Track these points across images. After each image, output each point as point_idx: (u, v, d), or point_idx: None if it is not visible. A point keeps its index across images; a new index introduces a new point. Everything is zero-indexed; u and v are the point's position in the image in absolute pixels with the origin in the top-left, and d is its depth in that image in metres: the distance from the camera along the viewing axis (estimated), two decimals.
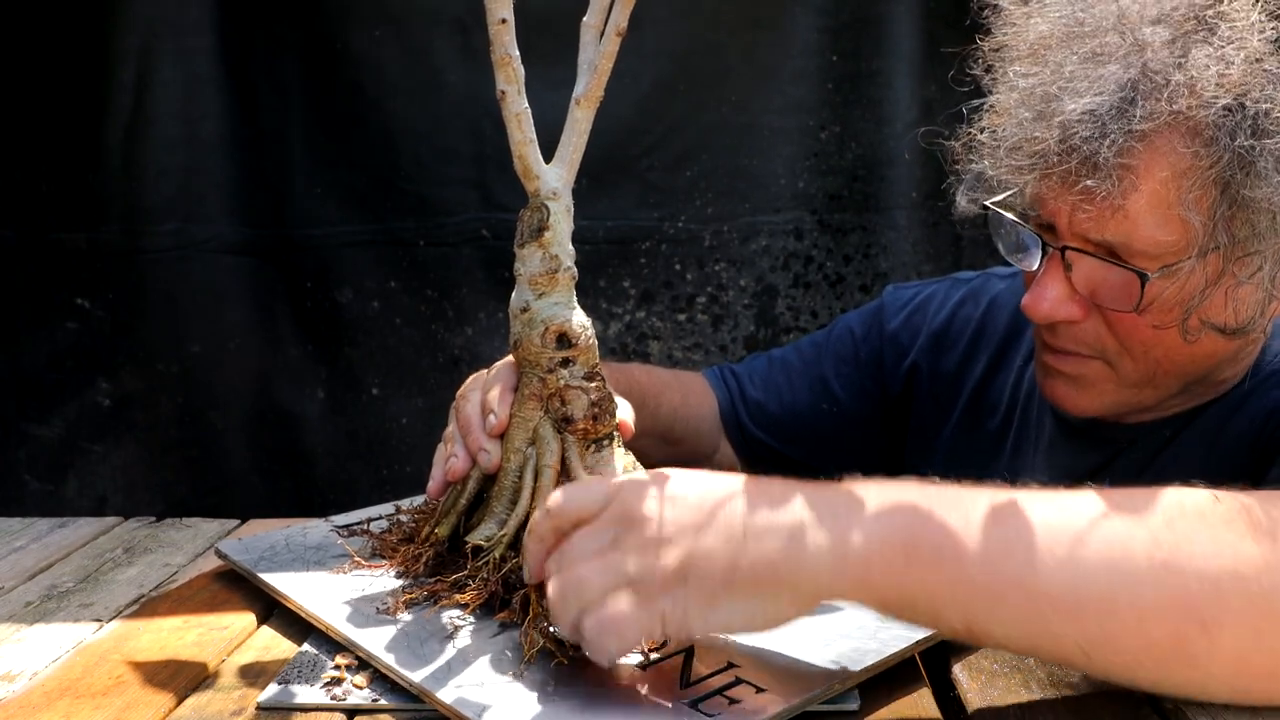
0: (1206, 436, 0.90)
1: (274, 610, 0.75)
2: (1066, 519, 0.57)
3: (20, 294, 1.55)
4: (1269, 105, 0.74)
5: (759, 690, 0.59)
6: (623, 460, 0.72)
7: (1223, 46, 0.75)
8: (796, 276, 1.59)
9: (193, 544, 0.90)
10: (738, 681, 0.60)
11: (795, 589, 0.57)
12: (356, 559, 0.77)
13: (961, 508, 0.57)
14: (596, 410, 0.70)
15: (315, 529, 0.86)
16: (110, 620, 0.74)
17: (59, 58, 1.49)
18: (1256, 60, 0.74)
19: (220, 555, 0.82)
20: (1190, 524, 0.57)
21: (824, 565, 0.56)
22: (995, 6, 0.87)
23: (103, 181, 1.52)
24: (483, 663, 0.62)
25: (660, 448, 1.07)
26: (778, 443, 1.15)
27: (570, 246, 0.71)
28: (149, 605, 0.77)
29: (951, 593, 0.56)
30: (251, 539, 0.84)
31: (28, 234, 1.53)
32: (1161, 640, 0.56)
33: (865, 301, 1.59)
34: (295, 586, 0.74)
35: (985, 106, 0.87)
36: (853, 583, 0.56)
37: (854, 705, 0.59)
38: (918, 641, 0.64)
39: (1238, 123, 0.74)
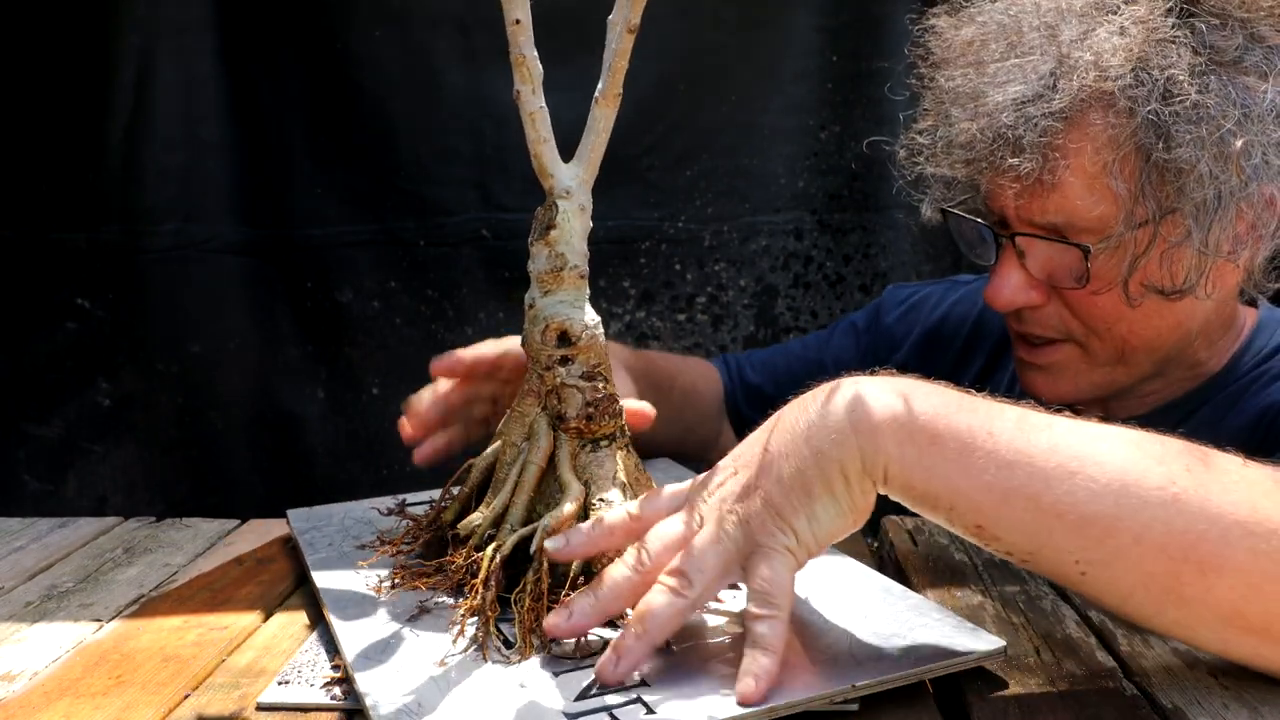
0: (1201, 433, 0.91)
1: (274, 610, 0.76)
2: (1087, 441, 0.58)
3: (20, 294, 1.54)
4: (1172, 71, 0.77)
5: (649, 712, 0.56)
6: (620, 462, 0.71)
7: (1121, 21, 0.79)
8: (796, 276, 1.59)
9: (193, 544, 0.90)
10: (635, 700, 0.57)
11: (859, 480, 0.59)
12: (381, 538, 0.78)
13: (989, 414, 0.59)
14: (591, 410, 0.70)
15: (380, 506, 0.89)
16: (110, 620, 0.74)
17: (59, 58, 1.49)
18: (1153, 29, 0.78)
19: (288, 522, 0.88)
20: (1211, 473, 0.58)
21: (864, 444, 0.59)
22: (932, 28, 0.91)
23: (103, 181, 1.52)
24: (416, 655, 0.62)
25: (672, 430, 1.09)
26: None
27: (581, 246, 0.71)
28: (149, 605, 0.77)
29: (967, 488, 0.58)
30: (319, 509, 0.89)
31: (28, 234, 1.53)
32: (1157, 573, 0.57)
33: (865, 301, 1.60)
34: (316, 561, 0.77)
35: (921, 113, 0.91)
36: (885, 464, 0.59)
37: (854, 706, 0.59)
38: (883, 679, 0.60)
39: (1148, 91, 0.78)
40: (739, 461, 0.62)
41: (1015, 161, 0.81)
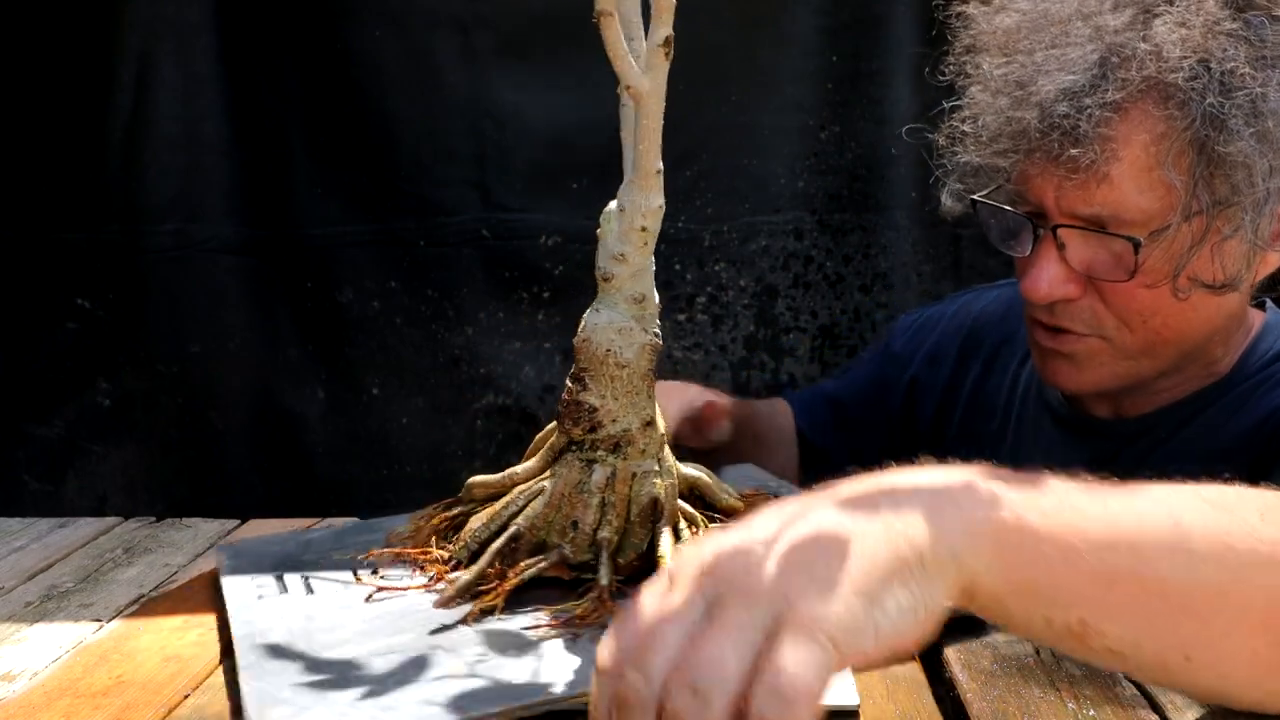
0: (1205, 435, 0.91)
1: None
2: (1161, 507, 0.52)
3: (20, 294, 1.54)
4: (1233, 64, 0.77)
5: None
6: (567, 474, 0.71)
7: (1181, 14, 0.78)
8: (796, 276, 1.60)
9: (193, 544, 0.90)
10: None
11: (940, 567, 0.47)
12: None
13: (1063, 491, 0.51)
14: (560, 409, 0.71)
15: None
16: (110, 620, 0.74)
17: (59, 58, 1.49)
18: (1214, 23, 0.78)
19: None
20: None
21: (961, 536, 0.48)
22: (961, 14, 0.90)
23: (103, 181, 1.52)
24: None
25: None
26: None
27: (612, 248, 0.70)
28: (149, 605, 0.77)
29: (1068, 576, 0.49)
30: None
31: (28, 234, 1.53)
32: (1261, 647, 0.51)
33: (864, 301, 1.60)
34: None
35: (964, 101, 0.90)
36: (988, 556, 0.48)
37: (854, 703, 0.59)
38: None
39: (1206, 83, 0.77)
40: (753, 536, 0.46)
41: (1076, 152, 0.80)
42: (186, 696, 0.62)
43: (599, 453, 0.70)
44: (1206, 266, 0.82)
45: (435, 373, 1.59)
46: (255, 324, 1.57)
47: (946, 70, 0.92)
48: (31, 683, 0.64)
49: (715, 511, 0.76)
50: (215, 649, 0.69)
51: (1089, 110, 0.79)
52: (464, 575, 0.68)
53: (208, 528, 0.94)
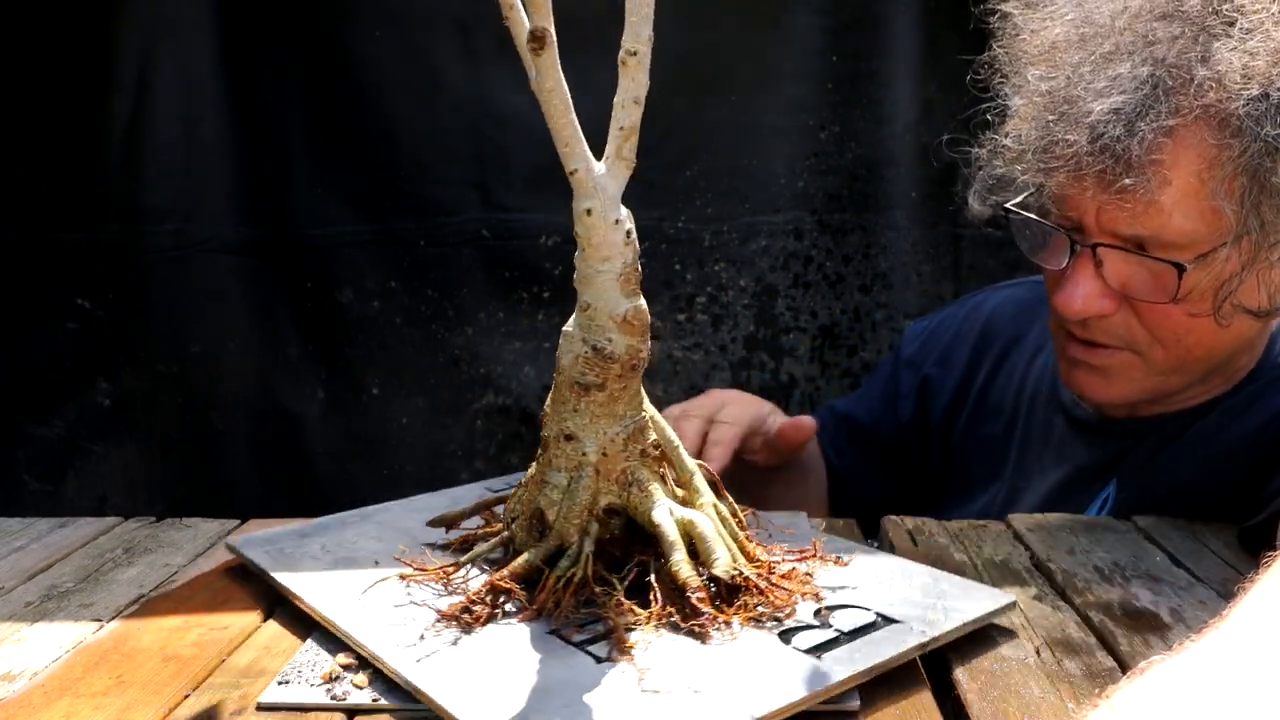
0: (1212, 434, 0.91)
1: (274, 610, 0.75)
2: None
3: (20, 294, 1.54)
4: None
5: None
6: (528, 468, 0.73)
7: (1245, 39, 0.76)
8: (796, 276, 1.60)
9: (193, 544, 0.90)
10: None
11: None
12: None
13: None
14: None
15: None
16: (110, 620, 0.74)
17: (59, 58, 1.49)
18: (1278, 51, 0.76)
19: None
20: None
21: None
22: (1002, 14, 0.88)
23: (103, 181, 1.52)
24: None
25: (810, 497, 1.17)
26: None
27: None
28: (149, 605, 0.77)
29: None
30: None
31: (28, 234, 1.53)
32: None
33: (864, 301, 1.60)
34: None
35: (1010, 112, 0.88)
36: None
37: (854, 704, 0.59)
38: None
39: (1264, 112, 0.76)
40: None
41: (1130, 181, 0.78)
42: (186, 696, 0.62)
43: (538, 450, 0.72)
44: (1252, 293, 0.82)
45: (435, 373, 1.59)
46: (255, 324, 1.57)
47: (982, 72, 0.90)
48: (31, 683, 0.64)
49: (700, 567, 0.68)
50: (215, 649, 0.69)
51: (1141, 134, 0.77)
52: (449, 513, 0.81)
53: (208, 528, 0.94)
